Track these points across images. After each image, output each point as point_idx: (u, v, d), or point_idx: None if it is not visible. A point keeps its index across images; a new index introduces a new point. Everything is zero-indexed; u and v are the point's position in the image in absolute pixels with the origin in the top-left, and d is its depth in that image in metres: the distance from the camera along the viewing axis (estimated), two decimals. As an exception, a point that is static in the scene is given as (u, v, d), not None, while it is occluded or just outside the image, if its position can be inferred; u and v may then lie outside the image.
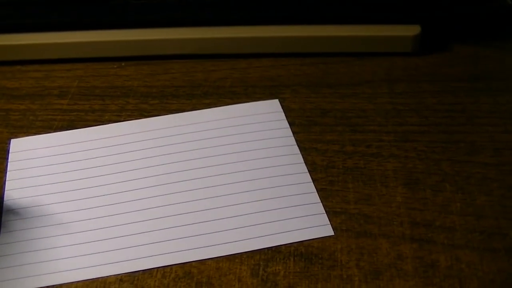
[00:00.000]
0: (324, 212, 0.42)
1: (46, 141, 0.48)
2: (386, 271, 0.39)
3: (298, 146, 0.46)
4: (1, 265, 0.40)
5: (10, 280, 0.39)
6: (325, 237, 0.41)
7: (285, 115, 0.49)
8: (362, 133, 0.47)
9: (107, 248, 0.41)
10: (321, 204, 0.43)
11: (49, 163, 0.46)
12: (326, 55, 0.54)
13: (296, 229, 0.41)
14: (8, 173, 0.45)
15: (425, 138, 0.47)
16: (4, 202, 0.44)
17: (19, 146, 0.47)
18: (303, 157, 0.46)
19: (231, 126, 0.48)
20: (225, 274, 0.39)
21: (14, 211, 0.43)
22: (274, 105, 0.50)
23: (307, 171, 0.45)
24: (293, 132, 0.47)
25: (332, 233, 0.41)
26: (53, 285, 0.39)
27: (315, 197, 0.43)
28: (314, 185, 0.44)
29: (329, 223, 0.42)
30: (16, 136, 0.48)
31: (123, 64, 0.54)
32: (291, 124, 0.48)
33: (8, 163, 0.46)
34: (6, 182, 0.45)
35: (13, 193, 0.44)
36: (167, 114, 0.49)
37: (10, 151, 0.47)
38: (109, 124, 0.49)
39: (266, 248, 0.40)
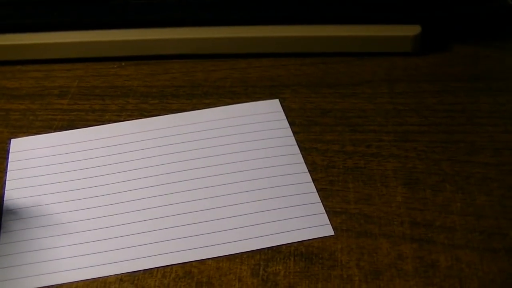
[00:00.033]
0: (324, 212, 0.42)
1: (46, 141, 0.48)
2: (386, 271, 0.39)
3: (298, 146, 0.46)
4: (1, 265, 0.40)
5: (10, 280, 0.39)
6: (325, 237, 0.41)
7: (285, 115, 0.49)
8: (362, 133, 0.47)
9: (107, 248, 0.41)
10: (321, 204, 0.43)
11: (49, 163, 0.46)
12: (326, 55, 0.54)
13: (296, 229, 0.41)
14: (8, 173, 0.45)
15: (425, 138, 0.47)
16: (4, 202, 0.44)
17: (19, 146, 0.47)
18: (303, 157, 0.46)
19: (231, 126, 0.48)
20: (225, 274, 0.39)
21: (14, 211, 0.43)
22: (274, 105, 0.50)
23: (307, 171, 0.45)
24: (293, 132, 0.47)
25: (332, 233, 0.41)
26: (53, 285, 0.39)
27: (315, 197, 0.43)
28: (314, 185, 0.44)
29: (329, 223, 0.42)
30: (16, 136, 0.48)
31: (123, 64, 0.54)
32: (291, 124, 0.48)
33: (8, 163, 0.46)
34: (6, 182, 0.45)
35: (13, 193, 0.44)
36: (167, 114, 0.49)
37: (10, 151, 0.47)
38: (109, 124, 0.49)
39: (267, 248, 0.40)
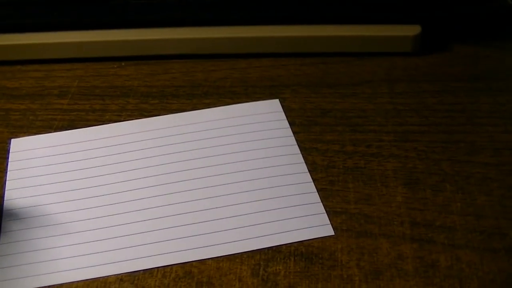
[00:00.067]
0: (325, 212, 0.42)
1: (46, 141, 0.48)
2: (386, 271, 0.39)
3: (298, 146, 0.46)
4: (1, 265, 0.40)
5: (10, 279, 0.39)
6: (325, 237, 0.41)
7: (285, 115, 0.49)
8: (362, 133, 0.47)
9: (107, 248, 0.41)
10: (321, 204, 0.43)
11: (49, 163, 0.46)
12: (326, 55, 0.54)
13: (296, 229, 0.41)
14: (8, 173, 0.45)
15: (425, 138, 0.47)
16: (4, 202, 0.44)
17: (19, 146, 0.47)
18: (303, 157, 0.46)
19: (231, 126, 0.48)
20: (226, 274, 0.39)
21: (14, 211, 0.43)
22: (274, 105, 0.50)
23: (307, 171, 0.45)
24: (294, 132, 0.47)
25: (333, 233, 0.41)
26: (53, 285, 0.39)
27: (316, 197, 0.43)
28: (315, 185, 0.44)
29: (329, 223, 0.42)
30: (16, 136, 0.48)
31: (123, 64, 0.54)
32: (291, 124, 0.48)
33: (8, 163, 0.46)
34: (7, 182, 0.45)
35: (14, 193, 0.44)
36: (167, 114, 0.49)
37: (10, 151, 0.47)
38: (109, 124, 0.49)
39: (267, 248, 0.40)
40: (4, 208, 0.43)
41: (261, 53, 0.54)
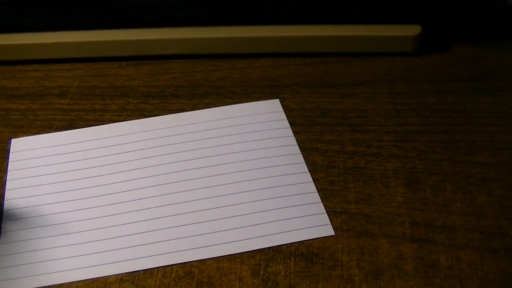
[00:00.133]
0: (325, 212, 0.42)
1: (47, 141, 0.48)
2: (386, 271, 0.39)
3: (298, 146, 0.46)
4: (1, 265, 0.40)
5: (10, 280, 0.39)
6: (325, 237, 0.41)
7: (286, 115, 0.49)
8: (363, 133, 0.47)
9: (107, 248, 0.41)
10: (321, 204, 0.43)
11: (50, 162, 0.46)
12: (326, 55, 0.54)
13: (296, 229, 0.41)
14: (8, 172, 0.45)
15: (425, 138, 0.47)
16: (4, 202, 0.43)
17: (19, 146, 0.47)
18: (303, 157, 0.46)
19: (231, 126, 0.48)
20: (226, 274, 0.39)
21: (14, 211, 0.43)
22: (274, 105, 0.50)
23: (307, 171, 0.45)
24: (294, 132, 0.47)
25: (333, 233, 0.41)
26: (53, 285, 0.39)
27: (316, 197, 0.43)
28: (315, 185, 0.44)
29: (329, 223, 0.42)
30: (17, 135, 0.48)
31: (123, 64, 0.54)
32: (291, 124, 0.48)
33: (9, 163, 0.46)
34: (7, 182, 0.45)
35: (14, 192, 0.44)
36: (167, 114, 0.49)
37: (10, 151, 0.47)
38: (109, 124, 0.49)
39: (267, 248, 0.40)
40: (4, 208, 0.43)
41: (261, 53, 0.54)
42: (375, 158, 0.45)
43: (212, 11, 0.54)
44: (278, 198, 0.43)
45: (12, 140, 0.48)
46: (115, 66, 0.54)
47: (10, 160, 0.46)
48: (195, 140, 0.47)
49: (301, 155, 0.46)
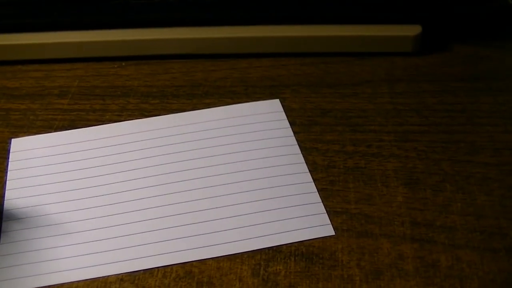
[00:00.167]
0: (325, 212, 0.42)
1: (47, 141, 0.48)
2: (387, 271, 0.39)
3: (298, 146, 0.46)
4: (2, 265, 0.40)
5: (10, 279, 0.39)
6: (326, 237, 0.41)
7: (286, 115, 0.49)
8: (363, 133, 0.47)
9: (107, 248, 0.41)
10: (322, 204, 0.43)
11: (50, 162, 0.46)
12: (326, 55, 0.54)
13: (297, 229, 0.41)
14: (8, 172, 0.45)
15: (425, 138, 0.47)
16: (4, 202, 0.43)
17: (19, 146, 0.47)
18: (303, 157, 0.46)
19: (231, 126, 0.48)
20: (226, 274, 0.39)
21: (14, 211, 0.43)
22: (274, 105, 0.50)
23: (307, 171, 0.45)
24: (294, 132, 0.47)
25: (333, 233, 0.41)
26: (53, 285, 0.39)
27: (316, 197, 0.43)
28: (315, 185, 0.44)
29: (330, 223, 0.42)
30: (17, 135, 0.48)
31: (123, 64, 0.54)
32: (291, 124, 0.48)
33: (9, 163, 0.46)
34: (7, 182, 0.45)
35: (14, 192, 0.44)
36: (167, 114, 0.49)
37: (10, 151, 0.47)
38: (110, 124, 0.49)
39: (267, 248, 0.40)
40: (4, 208, 0.43)
41: (261, 53, 0.54)
42: (375, 158, 0.45)
43: (212, 11, 0.54)
44: (278, 198, 0.43)
45: (12, 140, 0.48)
46: (115, 66, 0.54)
47: (10, 160, 0.46)
48: (195, 140, 0.47)
49: (301, 155, 0.46)
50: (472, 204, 0.42)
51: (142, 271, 0.40)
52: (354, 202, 0.43)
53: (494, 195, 0.43)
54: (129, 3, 0.54)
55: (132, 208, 0.43)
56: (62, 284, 0.39)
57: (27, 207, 0.43)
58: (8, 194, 0.44)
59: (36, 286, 0.39)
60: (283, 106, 0.49)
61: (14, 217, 0.43)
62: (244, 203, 0.43)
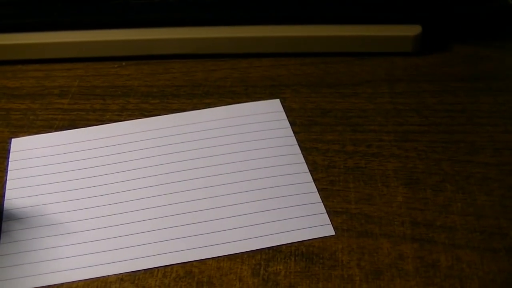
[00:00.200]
0: (325, 211, 0.42)
1: (47, 141, 0.48)
2: (387, 271, 0.39)
3: (299, 146, 0.46)
4: (2, 265, 0.40)
5: (10, 279, 0.39)
6: (326, 237, 0.41)
7: (286, 115, 0.49)
8: (363, 133, 0.47)
9: (108, 247, 0.41)
10: (322, 204, 0.43)
11: (50, 162, 0.46)
12: (326, 55, 0.54)
13: (297, 228, 0.41)
14: (8, 172, 0.45)
15: (425, 138, 0.47)
16: (4, 202, 0.43)
17: (19, 146, 0.47)
18: (304, 157, 0.46)
19: (232, 126, 0.48)
20: (226, 273, 0.39)
21: (14, 211, 0.43)
22: (275, 105, 0.50)
23: (308, 170, 0.45)
24: (294, 132, 0.47)
25: (333, 233, 0.41)
26: (53, 285, 0.39)
27: (316, 197, 0.43)
28: (315, 184, 0.44)
29: (330, 223, 0.42)
30: (17, 135, 0.48)
31: (123, 63, 0.54)
32: (291, 124, 0.48)
33: (9, 163, 0.46)
34: (7, 182, 0.45)
35: (14, 192, 0.44)
36: (167, 114, 0.49)
37: (10, 151, 0.47)
38: (110, 124, 0.49)
39: (267, 247, 0.40)
40: (4, 208, 0.43)
41: (261, 53, 0.54)
42: (376, 158, 0.45)
43: (212, 11, 0.54)
44: (278, 198, 0.43)
45: (12, 140, 0.48)
46: (116, 66, 0.54)
47: (10, 160, 0.46)
48: (195, 140, 0.47)
49: (301, 155, 0.46)
50: (472, 204, 0.42)
51: (142, 271, 0.40)
52: (354, 202, 0.43)
53: (494, 195, 0.43)
54: (129, 3, 0.54)
55: (132, 208, 0.43)
56: (62, 284, 0.39)
57: (27, 207, 0.43)
58: (8, 194, 0.44)
59: (36, 286, 0.39)
60: (283, 106, 0.50)
61: (14, 217, 0.43)
62: (244, 203, 0.43)
